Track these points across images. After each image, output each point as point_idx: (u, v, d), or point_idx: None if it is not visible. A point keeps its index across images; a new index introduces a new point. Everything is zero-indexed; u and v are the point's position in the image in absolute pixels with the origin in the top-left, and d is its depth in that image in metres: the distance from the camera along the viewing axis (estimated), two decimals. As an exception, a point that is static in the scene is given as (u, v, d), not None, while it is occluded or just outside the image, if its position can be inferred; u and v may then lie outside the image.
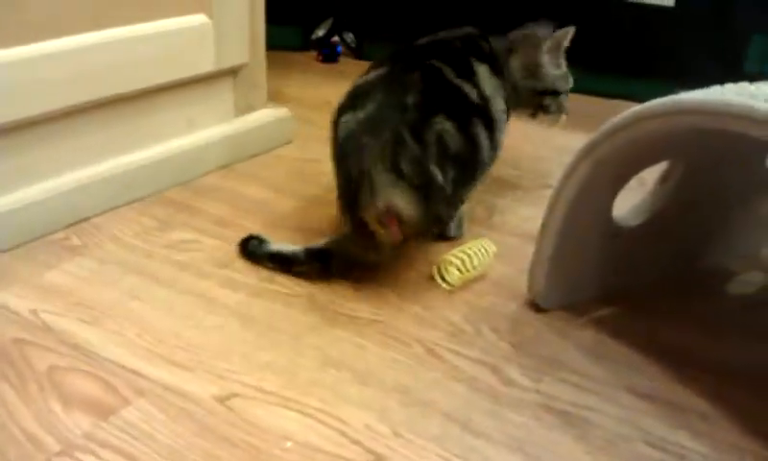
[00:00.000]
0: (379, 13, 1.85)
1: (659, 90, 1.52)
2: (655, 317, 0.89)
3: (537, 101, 1.11)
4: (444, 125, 0.90)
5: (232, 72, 1.25)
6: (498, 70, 1.04)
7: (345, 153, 0.91)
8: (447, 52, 1.00)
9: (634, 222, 0.90)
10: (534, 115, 1.13)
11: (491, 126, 0.97)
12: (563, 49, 1.11)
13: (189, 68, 1.16)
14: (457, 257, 0.93)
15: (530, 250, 0.88)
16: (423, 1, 1.77)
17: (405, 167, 0.86)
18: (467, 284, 0.94)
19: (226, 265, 0.96)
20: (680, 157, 0.88)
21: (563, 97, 1.13)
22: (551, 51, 1.09)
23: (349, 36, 1.91)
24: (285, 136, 1.35)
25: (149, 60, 1.10)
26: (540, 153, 1.36)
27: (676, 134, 0.79)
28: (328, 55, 1.86)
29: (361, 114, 0.91)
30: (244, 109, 1.29)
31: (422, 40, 1.05)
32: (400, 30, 1.60)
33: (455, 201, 0.95)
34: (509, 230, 1.08)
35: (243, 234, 1.03)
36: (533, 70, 1.09)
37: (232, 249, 0.99)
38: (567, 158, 0.80)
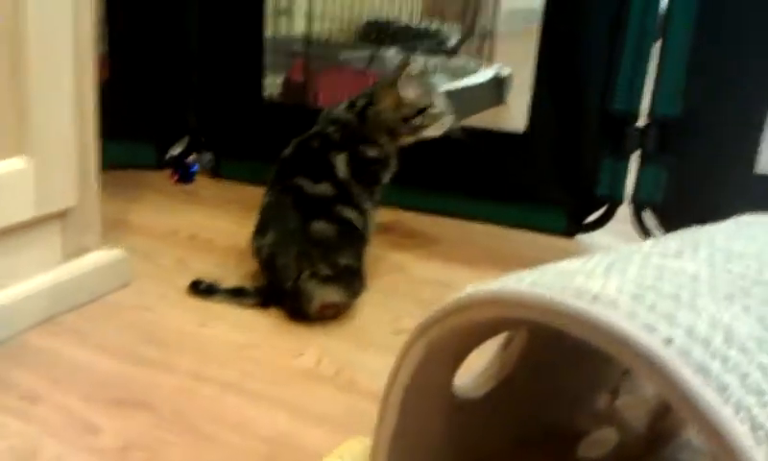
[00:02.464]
0: (237, 132, 1.79)
1: (510, 214, 1.55)
2: (505, 493, 0.84)
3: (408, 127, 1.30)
4: (320, 225, 1.15)
5: (59, 215, 1.14)
6: (356, 143, 1.25)
7: (271, 272, 1.18)
8: (308, 158, 1.23)
9: (478, 393, 0.85)
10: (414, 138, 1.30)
11: (353, 201, 1.20)
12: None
13: (3, 217, 1.05)
14: None
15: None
16: (283, 119, 1.72)
17: (317, 269, 1.13)
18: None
19: None
20: (521, 327, 0.85)
21: (431, 109, 1.30)
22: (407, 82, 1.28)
23: (207, 156, 1.84)
24: (121, 279, 1.24)
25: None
26: (394, 287, 1.31)
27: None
28: (183, 175, 1.78)
29: (269, 239, 1.17)
30: (73, 253, 1.18)
31: (289, 150, 1.25)
32: (260, 149, 1.54)
33: (357, 269, 1.19)
34: (358, 391, 1.01)
35: (55, 414, 0.91)
36: (398, 105, 1.28)
37: (40, 438, 0.87)
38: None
